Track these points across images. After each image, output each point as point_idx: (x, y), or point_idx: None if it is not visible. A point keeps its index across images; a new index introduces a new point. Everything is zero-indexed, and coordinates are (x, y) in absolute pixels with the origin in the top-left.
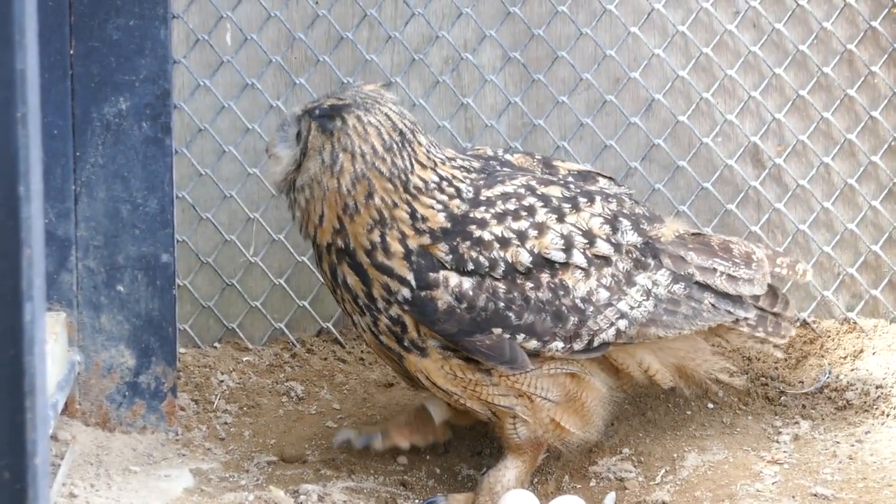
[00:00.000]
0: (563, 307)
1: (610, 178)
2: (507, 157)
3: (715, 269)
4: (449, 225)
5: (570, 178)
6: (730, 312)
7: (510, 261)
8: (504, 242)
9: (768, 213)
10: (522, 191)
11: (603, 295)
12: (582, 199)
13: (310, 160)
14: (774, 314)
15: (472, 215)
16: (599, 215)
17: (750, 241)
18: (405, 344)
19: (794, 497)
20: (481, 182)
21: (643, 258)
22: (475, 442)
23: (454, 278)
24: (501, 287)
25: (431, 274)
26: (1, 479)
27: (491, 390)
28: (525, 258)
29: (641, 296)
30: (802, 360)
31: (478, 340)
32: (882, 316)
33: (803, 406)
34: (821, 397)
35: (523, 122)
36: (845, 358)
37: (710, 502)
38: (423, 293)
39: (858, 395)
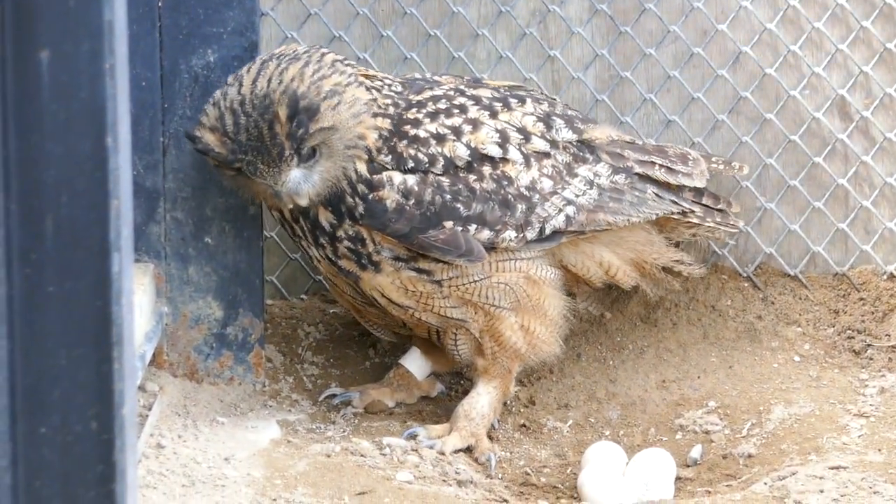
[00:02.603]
0: (510, 195)
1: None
2: (434, 77)
3: (653, 163)
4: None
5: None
6: (675, 203)
7: (448, 155)
8: (440, 138)
9: (856, 166)
10: (452, 93)
11: (547, 184)
12: (513, 100)
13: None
14: (719, 210)
15: (405, 116)
16: (532, 114)
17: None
18: (362, 261)
19: (880, 450)
20: (408, 91)
21: (581, 153)
22: (561, 395)
23: (398, 177)
24: (445, 181)
25: (375, 176)
26: (89, 429)
27: (442, 302)
28: (462, 152)
29: (585, 185)
30: (889, 314)
31: (432, 236)
32: None
33: (890, 359)
34: None
35: (610, 75)
36: None
37: (797, 455)
38: (371, 196)
39: None
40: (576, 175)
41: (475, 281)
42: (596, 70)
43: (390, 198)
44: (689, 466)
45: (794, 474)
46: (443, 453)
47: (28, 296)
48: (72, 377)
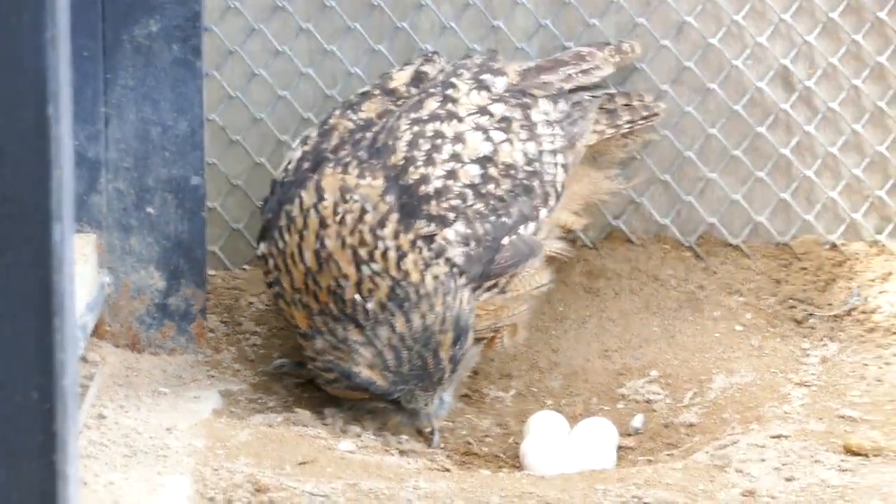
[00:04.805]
0: (523, 180)
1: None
2: (361, 115)
3: (570, 75)
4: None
5: (413, 88)
6: (606, 93)
7: (468, 182)
8: (453, 174)
9: (798, 136)
10: (416, 128)
11: (531, 147)
12: (447, 91)
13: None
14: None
15: (409, 182)
16: (470, 89)
17: None
18: None
19: (821, 419)
20: (384, 160)
21: (519, 99)
22: (503, 365)
23: (449, 233)
24: (480, 206)
25: (432, 244)
26: (29, 400)
27: (513, 304)
28: (475, 170)
29: (548, 129)
30: (831, 283)
31: (499, 260)
32: None
33: (831, 328)
34: (849, 320)
35: (554, 46)
36: (874, 280)
37: (738, 424)
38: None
39: (886, 317)
40: (535, 124)
41: (524, 273)
42: (540, 41)
43: (457, 251)
44: (630, 435)
45: (735, 443)
46: None
47: None
48: (12, 347)
